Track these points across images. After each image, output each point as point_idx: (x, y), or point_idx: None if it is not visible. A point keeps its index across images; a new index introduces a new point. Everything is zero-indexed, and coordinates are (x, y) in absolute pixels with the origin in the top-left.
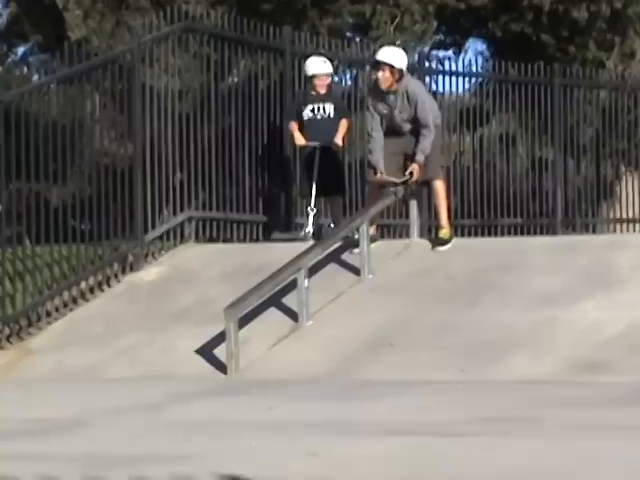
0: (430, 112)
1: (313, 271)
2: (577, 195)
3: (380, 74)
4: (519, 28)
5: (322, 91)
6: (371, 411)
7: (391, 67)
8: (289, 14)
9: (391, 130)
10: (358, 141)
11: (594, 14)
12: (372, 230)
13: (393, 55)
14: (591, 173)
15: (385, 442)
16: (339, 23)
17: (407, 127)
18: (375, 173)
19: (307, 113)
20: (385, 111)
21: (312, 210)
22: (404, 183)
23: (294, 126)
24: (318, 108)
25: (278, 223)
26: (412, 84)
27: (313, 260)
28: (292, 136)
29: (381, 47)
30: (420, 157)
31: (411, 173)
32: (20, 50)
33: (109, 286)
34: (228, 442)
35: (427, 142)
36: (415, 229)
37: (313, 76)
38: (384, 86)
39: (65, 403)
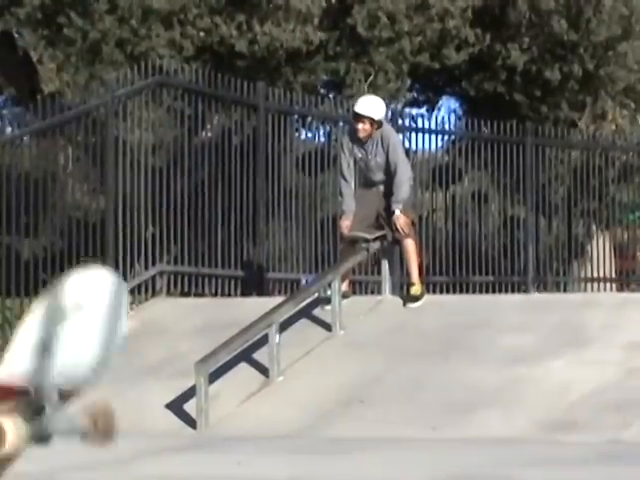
0: (402, 157)
1: (284, 326)
2: (549, 254)
3: (360, 126)
4: (492, 87)
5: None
6: (343, 468)
7: (371, 119)
8: (263, 70)
9: (365, 177)
10: (331, 197)
11: (566, 75)
12: (344, 286)
13: (373, 107)
14: (562, 232)
15: None
16: (313, 80)
17: (380, 176)
18: (346, 226)
19: None
20: (360, 155)
21: None
22: (376, 239)
23: None
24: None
25: (251, 278)
26: (387, 128)
27: (284, 315)
28: None
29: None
30: (398, 206)
31: (396, 227)
32: None
33: None
34: None
35: (401, 191)
36: (387, 286)
37: None
38: (362, 136)
39: (31, 457)
